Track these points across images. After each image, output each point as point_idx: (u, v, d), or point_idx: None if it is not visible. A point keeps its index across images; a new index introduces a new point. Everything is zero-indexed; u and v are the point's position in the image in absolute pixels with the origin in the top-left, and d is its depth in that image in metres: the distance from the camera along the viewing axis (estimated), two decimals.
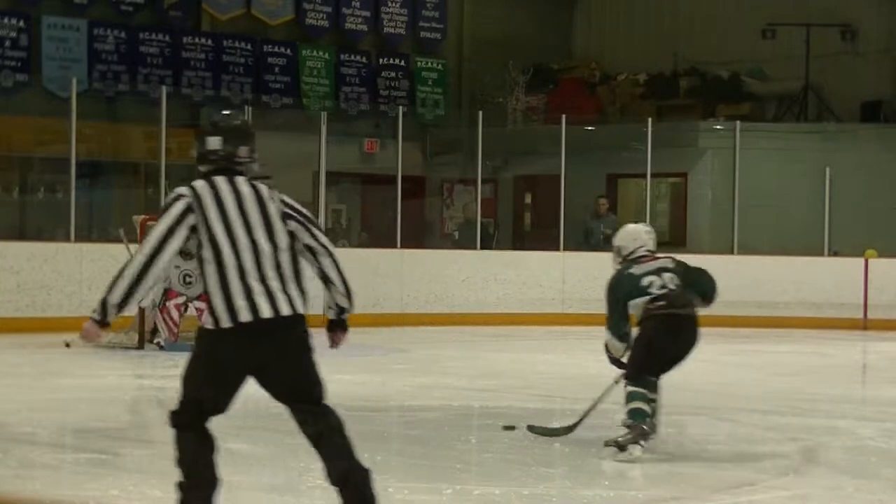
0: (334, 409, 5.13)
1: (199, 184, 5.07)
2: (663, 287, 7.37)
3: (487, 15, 22.89)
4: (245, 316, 4.78)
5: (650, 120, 19.09)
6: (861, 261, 17.97)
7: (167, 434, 7.53)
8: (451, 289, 17.30)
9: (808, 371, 12.27)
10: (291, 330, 4.94)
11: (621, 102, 22.81)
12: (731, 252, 18.60)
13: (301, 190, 19.60)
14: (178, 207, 4.96)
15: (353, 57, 21.46)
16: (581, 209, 18.81)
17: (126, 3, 19.22)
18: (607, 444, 7.31)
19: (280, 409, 9.60)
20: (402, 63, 21.93)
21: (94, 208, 18.33)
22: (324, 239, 5.13)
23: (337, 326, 5.29)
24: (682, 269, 7.55)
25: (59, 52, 18.59)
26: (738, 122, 19.40)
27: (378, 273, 17.11)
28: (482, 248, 18.33)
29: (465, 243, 18.71)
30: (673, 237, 20.26)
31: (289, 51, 20.76)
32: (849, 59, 21.53)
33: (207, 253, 4.89)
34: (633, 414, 7.33)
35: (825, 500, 6.50)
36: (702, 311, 7.57)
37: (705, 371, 11.89)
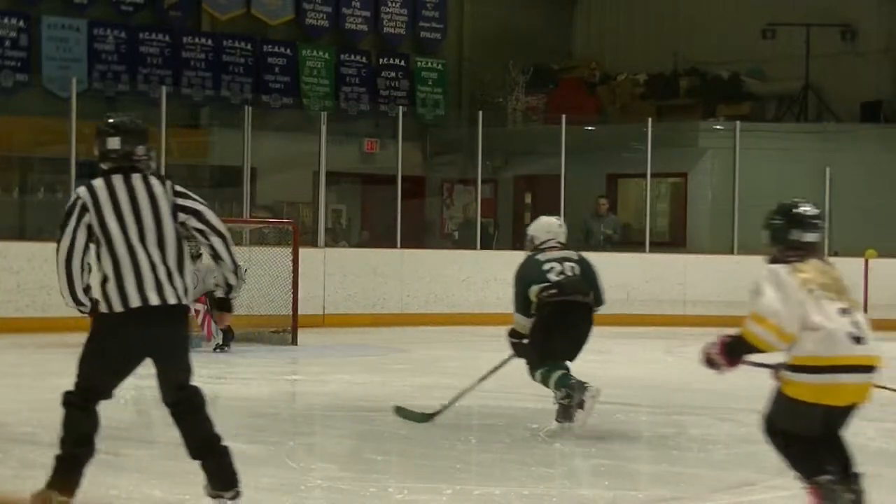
0: (199, 388, 5.64)
1: (98, 182, 5.51)
2: (561, 273, 7.99)
3: (487, 15, 22.89)
4: (135, 302, 5.35)
5: (650, 120, 19.09)
6: (861, 261, 17.96)
7: (168, 434, 7.54)
8: (451, 289, 17.30)
9: None
10: (174, 318, 5.49)
11: (621, 102, 22.81)
12: (731, 252, 18.60)
13: (301, 190, 19.64)
14: (75, 210, 5.47)
15: (353, 57, 21.46)
16: (581, 209, 18.81)
17: (126, 3, 19.22)
18: (559, 419, 7.98)
19: (278, 410, 9.62)
20: (402, 63, 21.93)
21: None
22: (215, 222, 5.71)
23: (222, 305, 5.77)
24: (585, 265, 8.15)
25: (59, 52, 18.59)
26: (738, 122, 19.40)
27: (378, 273, 17.12)
28: (482, 248, 18.33)
29: (465, 243, 18.71)
30: (673, 237, 20.27)
31: (289, 51, 20.76)
32: (849, 59, 21.52)
33: (103, 246, 5.45)
34: (558, 383, 7.88)
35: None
36: None
37: (705, 371, 11.89)
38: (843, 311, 5.43)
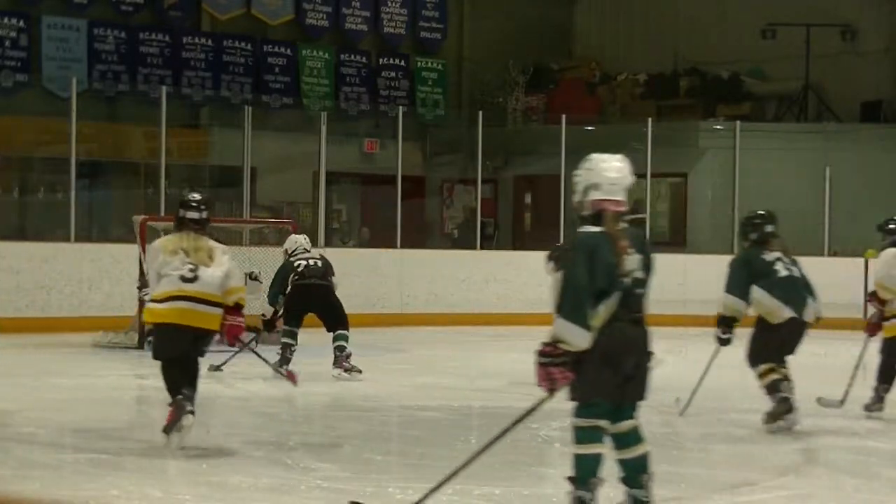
0: None
1: None
2: (305, 265, 11.13)
3: (487, 15, 22.88)
4: None
5: (650, 120, 19.09)
6: (861, 261, 17.95)
7: (167, 434, 7.54)
8: (451, 289, 17.30)
9: (807, 371, 12.24)
10: None
11: (621, 102, 22.81)
12: (731, 252, 18.56)
13: (301, 190, 19.64)
14: None
15: (353, 57, 21.46)
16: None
17: (126, 3, 19.22)
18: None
19: (277, 410, 9.62)
20: (402, 63, 21.93)
21: (94, 208, 18.33)
22: None
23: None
24: (326, 262, 11.38)
25: (59, 52, 18.59)
26: (738, 122, 19.40)
27: (378, 273, 17.12)
28: (482, 248, 18.33)
29: (464, 243, 18.71)
30: (673, 237, 20.27)
31: (289, 51, 20.76)
32: (849, 59, 21.52)
33: None
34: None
35: (825, 500, 6.51)
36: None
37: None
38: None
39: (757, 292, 8.41)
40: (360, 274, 16.91)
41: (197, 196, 7.59)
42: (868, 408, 8.97)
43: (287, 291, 11.02)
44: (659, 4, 23.47)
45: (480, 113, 18.81)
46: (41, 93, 18.18)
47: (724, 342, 8.65)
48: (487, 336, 15.07)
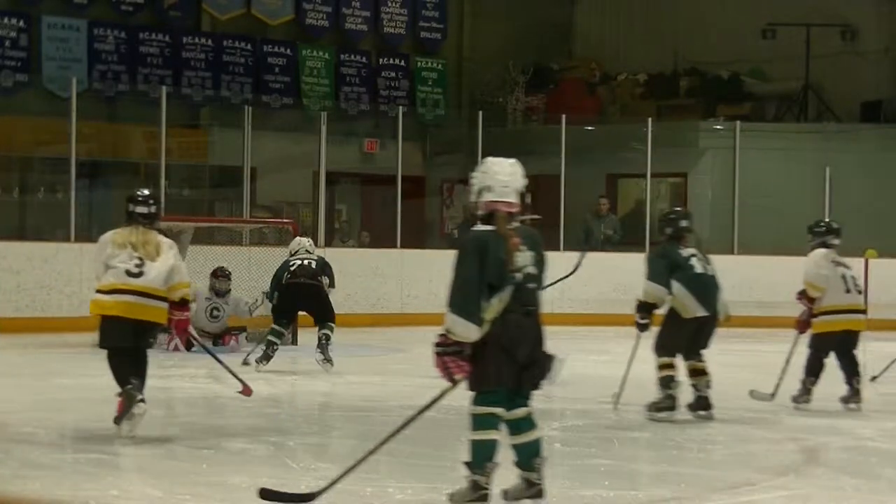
0: None
1: None
2: (299, 264, 11.61)
3: (487, 15, 22.88)
4: None
5: (650, 120, 19.10)
6: (861, 261, 17.94)
7: (167, 434, 7.54)
8: None
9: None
10: None
11: (621, 102, 22.80)
12: (732, 252, 18.61)
13: (301, 190, 19.64)
14: None
15: (353, 57, 21.45)
16: (581, 209, 18.80)
17: (126, 3, 19.21)
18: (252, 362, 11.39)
19: (277, 410, 9.62)
20: (402, 63, 21.93)
21: (94, 208, 18.32)
22: None
23: None
24: (322, 264, 11.86)
25: (59, 52, 18.59)
26: (738, 122, 19.41)
27: (378, 273, 17.11)
28: None
29: None
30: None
31: (289, 51, 20.75)
32: (849, 59, 21.51)
33: None
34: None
35: (825, 500, 6.51)
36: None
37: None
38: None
39: (674, 285, 8.72)
40: (360, 274, 16.91)
41: (145, 191, 8.04)
42: (795, 399, 9.52)
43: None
44: (659, 4, 23.46)
45: (480, 113, 18.81)
46: (41, 93, 18.18)
47: (642, 328, 9.03)
48: None
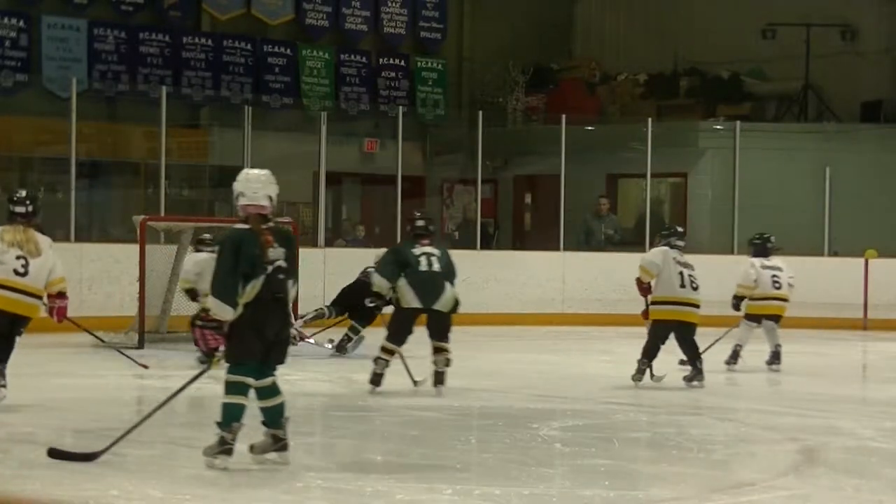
0: None
1: None
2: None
3: (487, 15, 22.88)
4: None
5: (650, 120, 19.10)
6: (861, 261, 17.96)
7: (167, 434, 7.55)
8: None
9: (808, 371, 12.28)
10: None
11: (621, 102, 22.80)
12: (731, 252, 18.60)
13: (301, 190, 19.63)
14: None
15: (353, 57, 21.45)
16: (581, 209, 18.81)
17: (126, 3, 19.21)
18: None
19: None
20: (402, 63, 21.93)
21: (94, 208, 18.32)
22: None
23: None
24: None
25: (59, 52, 18.58)
26: (738, 122, 19.40)
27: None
28: (482, 248, 18.32)
29: (464, 243, 18.70)
30: None
31: (289, 51, 20.76)
32: (849, 59, 21.51)
33: None
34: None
35: (825, 500, 6.51)
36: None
37: (705, 371, 11.87)
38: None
39: (400, 279, 9.77)
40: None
41: (22, 193, 9.08)
42: (633, 378, 10.68)
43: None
44: (659, 4, 23.46)
45: (480, 113, 18.80)
46: (41, 93, 18.17)
47: (372, 309, 10.78)
48: (487, 336, 15.06)
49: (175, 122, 17.65)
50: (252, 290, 6.60)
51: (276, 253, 6.68)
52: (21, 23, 18.36)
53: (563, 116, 18.62)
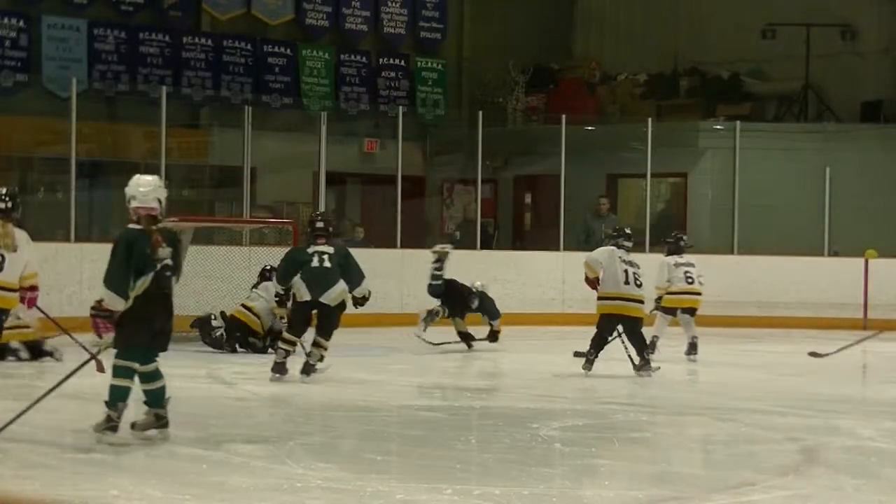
0: None
1: None
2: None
3: (487, 15, 22.87)
4: None
5: (650, 120, 19.09)
6: (861, 261, 17.95)
7: (167, 434, 7.55)
8: None
9: (808, 371, 12.28)
10: None
11: (621, 102, 22.79)
12: (731, 252, 18.61)
13: (301, 190, 19.64)
14: None
15: (353, 57, 21.45)
16: (581, 209, 18.81)
17: (126, 3, 19.21)
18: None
19: (277, 410, 9.62)
20: (402, 63, 21.93)
21: (94, 208, 18.32)
22: None
23: None
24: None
25: (59, 52, 18.58)
26: (738, 122, 19.40)
27: (378, 273, 17.09)
28: (482, 248, 18.32)
29: (465, 243, 18.70)
30: None
31: (289, 51, 20.76)
32: (849, 59, 21.50)
33: None
34: None
35: (825, 500, 6.50)
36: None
37: (705, 371, 11.90)
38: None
39: (295, 277, 10.68)
40: None
41: (2, 189, 9.23)
42: (584, 367, 11.41)
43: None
44: (659, 4, 23.45)
45: (480, 113, 18.80)
46: (41, 93, 18.17)
47: (280, 303, 11.32)
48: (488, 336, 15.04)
49: (175, 122, 17.65)
50: (142, 285, 7.28)
51: (165, 252, 7.32)
52: (21, 23, 18.36)
53: (563, 116, 18.62)
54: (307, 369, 10.62)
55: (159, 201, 7.41)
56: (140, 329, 7.33)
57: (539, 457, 7.47)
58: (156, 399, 7.46)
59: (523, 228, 21.87)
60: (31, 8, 18.54)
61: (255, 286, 13.16)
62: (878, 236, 18.58)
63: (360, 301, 10.90)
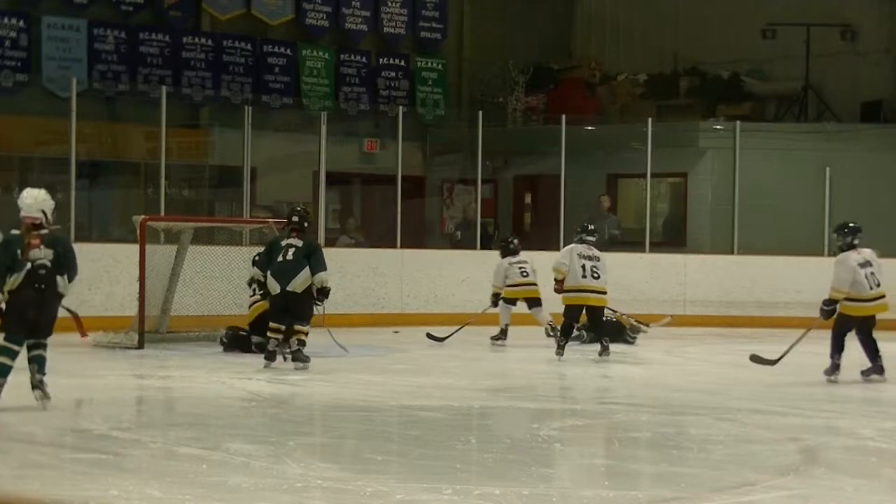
0: None
1: None
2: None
3: (487, 15, 22.87)
4: None
5: (650, 120, 19.09)
6: None
7: (167, 434, 7.55)
8: (451, 289, 17.29)
9: (808, 371, 12.27)
10: None
11: (621, 102, 22.79)
12: (731, 252, 18.60)
13: (301, 190, 19.64)
14: None
15: (353, 57, 21.45)
16: (581, 209, 18.80)
17: (126, 3, 19.20)
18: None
19: (277, 410, 9.62)
20: (402, 63, 21.93)
21: (94, 208, 18.32)
22: None
23: None
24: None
25: (59, 52, 18.58)
26: (738, 122, 19.39)
27: (378, 273, 17.11)
28: (482, 248, 18.32)
29: (465, 243, 18.70)
30: (673, 237, 20.27)
31: (289, 51, 20.75)
32: (849, 59, 21.51)
33: None
34: None
35: (825, 500, 6.50)
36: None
37: (705, 371, 11.90)
38: None
39: (269, 269, 11.63)
40: (360, 274, 16.92)
41: None
42: (556, 353, 12.86)
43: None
44: (659, 4, 23.46)
45: (480, 113, 18.80)
46: (41, 93, 18.16)
47: (254, 301, 12.56)
48: (488, 336, 15.07)
49: (175, 122, 17.65)
50: (14, 280, 8.55)
51: (38, 253, 8.60)
52: (21, 23, 18.35)
53: (563, 116, 18.61)
54: (296, 356, 11.47)
55: (44, 212, 8.79)
56: (16, 317, 8.64)
57: (539, 457, 7.47)
58: (34, 365, 8.82)
59: (523, 228, 21.86)
60: (31, 8, 18.53)
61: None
62: (878, 236, 18.55)
63: (321, 293, 11.61)
